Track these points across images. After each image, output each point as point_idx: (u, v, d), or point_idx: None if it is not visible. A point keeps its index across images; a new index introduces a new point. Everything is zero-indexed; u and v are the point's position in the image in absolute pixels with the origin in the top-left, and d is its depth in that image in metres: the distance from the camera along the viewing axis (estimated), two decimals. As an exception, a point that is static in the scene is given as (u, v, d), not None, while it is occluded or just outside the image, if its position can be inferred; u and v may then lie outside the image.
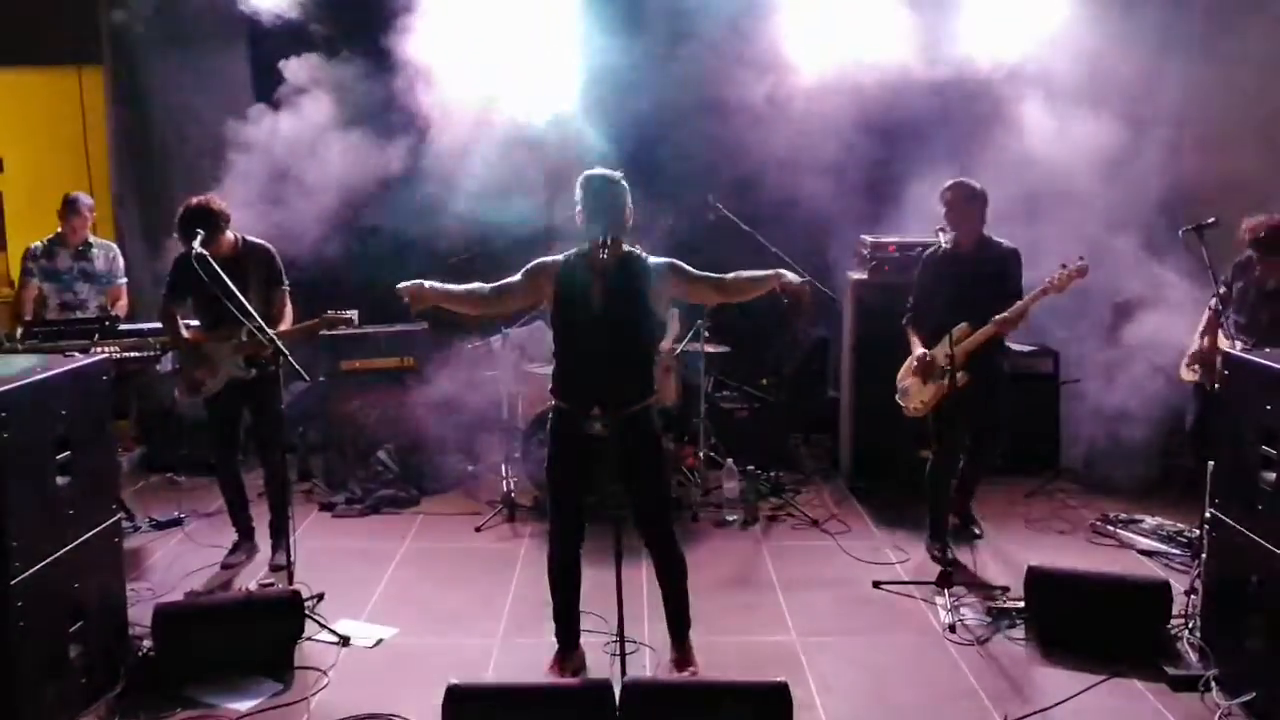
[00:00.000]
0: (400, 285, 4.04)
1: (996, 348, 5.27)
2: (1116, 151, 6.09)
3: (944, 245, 5.07)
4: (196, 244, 4.80)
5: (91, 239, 6.53)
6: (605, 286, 3.92)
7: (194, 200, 5.08)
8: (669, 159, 6.69)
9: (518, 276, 4.10)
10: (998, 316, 5.10)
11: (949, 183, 5.24)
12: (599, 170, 4.02)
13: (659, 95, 6.59)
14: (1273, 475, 3.72)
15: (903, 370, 5.49)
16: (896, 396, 5.50)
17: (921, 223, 6.01)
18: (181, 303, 5.27)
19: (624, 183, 3.99)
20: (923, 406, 5.32)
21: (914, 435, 5.72)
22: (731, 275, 4.06)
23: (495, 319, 6.19)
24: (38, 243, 6.49)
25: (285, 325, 5.18)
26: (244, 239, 5.25)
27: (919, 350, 5.35)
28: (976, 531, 5.69)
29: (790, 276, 3.97)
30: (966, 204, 5.18)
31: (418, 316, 4.09)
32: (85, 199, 6.48)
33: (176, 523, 5.97)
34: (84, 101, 7.46)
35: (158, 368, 6.02)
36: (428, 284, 4.04)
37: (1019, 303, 5.11)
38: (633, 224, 4.03)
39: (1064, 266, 5.03)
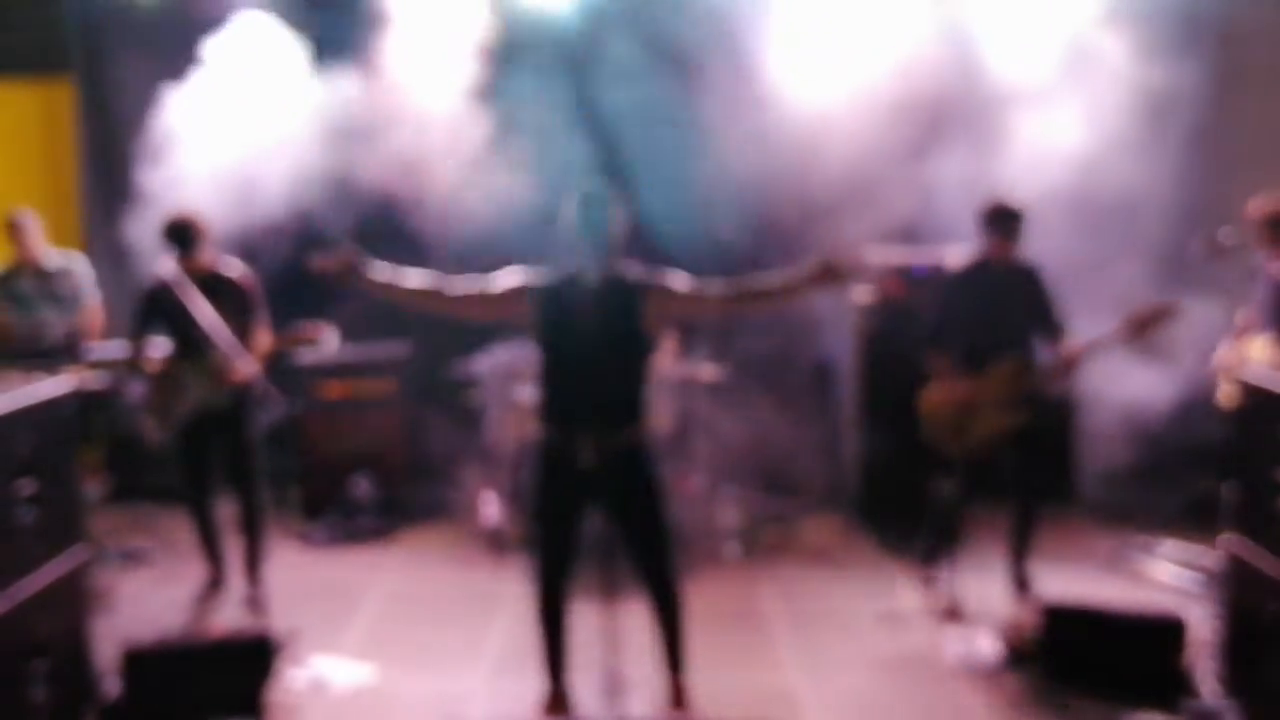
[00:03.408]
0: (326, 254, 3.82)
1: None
2: (1141, 158, 6.18)
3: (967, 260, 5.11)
4: (165, 265, 4.89)
5: (53, 258, 6.41)
6: (595, 309, 3.90)
7: (176, 213, 5.22)
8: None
9: (492, 287, 4.01)
10: (1071, 352, 5.10)
11: (995, 199, 5.25)
12: (589, 185, 4.04)
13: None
14: (1290, 501, 3.79)
15: (935, 399, 5.30)
16: (927, 430, 5.32)
17: (930, 242, 6.11)
18: (153, 330, 5.33)
19: (614, 198, 4.01)
20: (976, 445, 5.21)
21: (924, 463, 5.56)
22: (749, 284, 3.91)
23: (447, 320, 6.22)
24: None
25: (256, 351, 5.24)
26: (220, 260, 5.33)
27: (951, 379, 5.22)
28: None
29: (838, 257, 3.72)
30: (1012, 222, 5.17)
31: (338, 286, 3.88)
32: (27, 217, 6.26)
33: (146, 556, 6.02)
34: (51, 113, 7.54)
35: (129, 401, 6.05)
36: (366, 263, 3.83)
37: (1092, 340, 5.10)
38: (620, 240, 4.03)
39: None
